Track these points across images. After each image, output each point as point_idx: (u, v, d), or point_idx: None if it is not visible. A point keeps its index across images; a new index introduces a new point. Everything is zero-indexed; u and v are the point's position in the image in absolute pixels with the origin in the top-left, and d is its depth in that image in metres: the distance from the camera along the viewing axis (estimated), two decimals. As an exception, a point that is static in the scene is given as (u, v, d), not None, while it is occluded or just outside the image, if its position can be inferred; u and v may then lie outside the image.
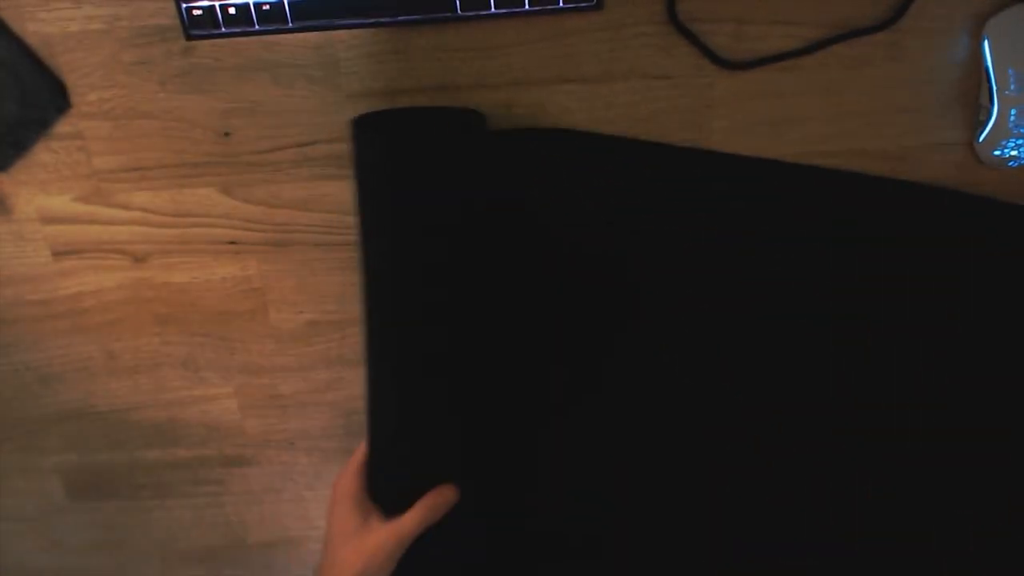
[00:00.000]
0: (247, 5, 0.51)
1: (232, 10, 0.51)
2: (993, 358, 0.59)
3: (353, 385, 0.65)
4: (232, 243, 0.60)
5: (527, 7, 0.51)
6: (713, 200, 0.56)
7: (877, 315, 0.58)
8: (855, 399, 0.60)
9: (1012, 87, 0.52)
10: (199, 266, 0.61)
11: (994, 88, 0.52)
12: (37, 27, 0.54)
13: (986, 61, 0.52)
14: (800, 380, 0.60)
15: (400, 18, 0.51)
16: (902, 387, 0.60)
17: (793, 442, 0.62)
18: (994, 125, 0.53)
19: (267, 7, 0.51)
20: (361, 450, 0.54)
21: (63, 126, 0.57)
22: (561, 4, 0.51)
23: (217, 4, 0.51)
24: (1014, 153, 0.53)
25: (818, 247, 0.57)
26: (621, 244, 0.57)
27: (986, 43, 0.52)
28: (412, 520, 0.50)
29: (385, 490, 0.52)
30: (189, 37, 0.52)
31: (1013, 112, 0.52)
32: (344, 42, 0.53)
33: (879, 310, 0.58)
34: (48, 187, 0.59)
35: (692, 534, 0.65)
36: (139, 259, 0.61)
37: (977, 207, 0.55)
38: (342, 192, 0.58)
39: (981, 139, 0.54)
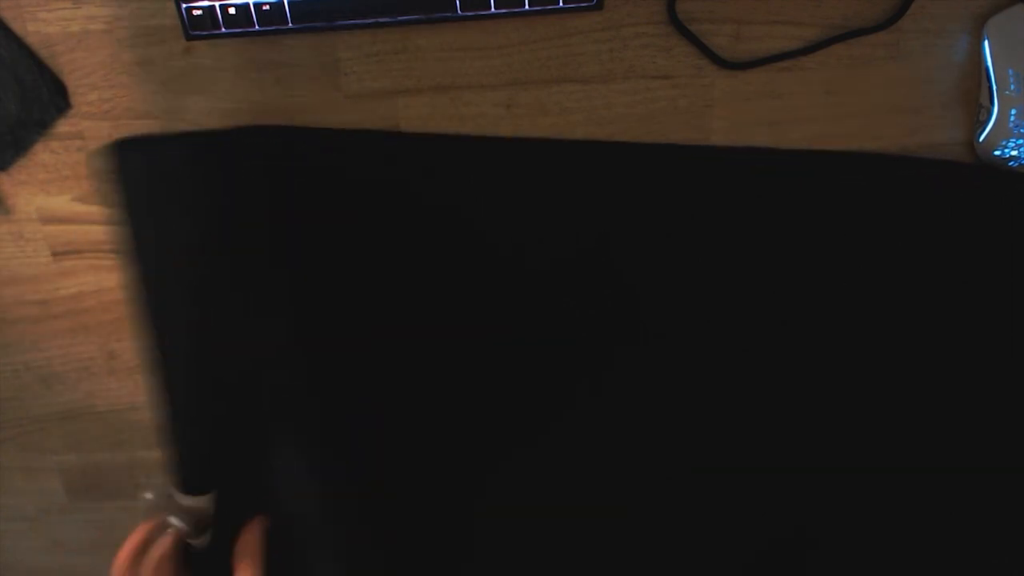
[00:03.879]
0: (247, 5, 0.51)
1: (232, 10, 0.51)
2: (995, 340, 0.58)
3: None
4: (232, 243, 0.60)
5: (527, 7, 0.51)
6: (702, 195, 0.56)
7: (879, 301, 0.58)
8: (859, 392, 0.60)
9: (1012, 87, 0.52)
10: (199, 266, 0.61)
11: (994, 88, 0.52)
12: (37, 27, 0.54)
13: (986, 61, 0.52)
14: (805, 371, 0.60)
15: (400, 18, 0.51)
16: (906, 372, 0.59)
17: (799, 434, 0.62)
18: (994, 125, 0.53)
19: (267, 7, 0.51)
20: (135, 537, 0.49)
21: (63, 126, 0.57)
22: (561, 4, 0.51)
23: (217, 4, 0.51)
24: (1014, 153, 0.53)
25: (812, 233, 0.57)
26: (610, 248, 0.57)
27: (986, 43, 0.52)
28: None
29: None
30: (189, 37, 0.52)
31: (1013, 112, 0.52)
32: (344, 42, 0.53)
33: (880, 295, 0.58)
34: (48, 187, 0.59)
35: (686, 535, 0.65)
36: (139, 259, 0.61)
37: (974, 194, 0.55)
38: (342, 192, 0.58)
39: (981, 139, 0.54)
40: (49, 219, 0.60)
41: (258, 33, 0.52)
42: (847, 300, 0.58)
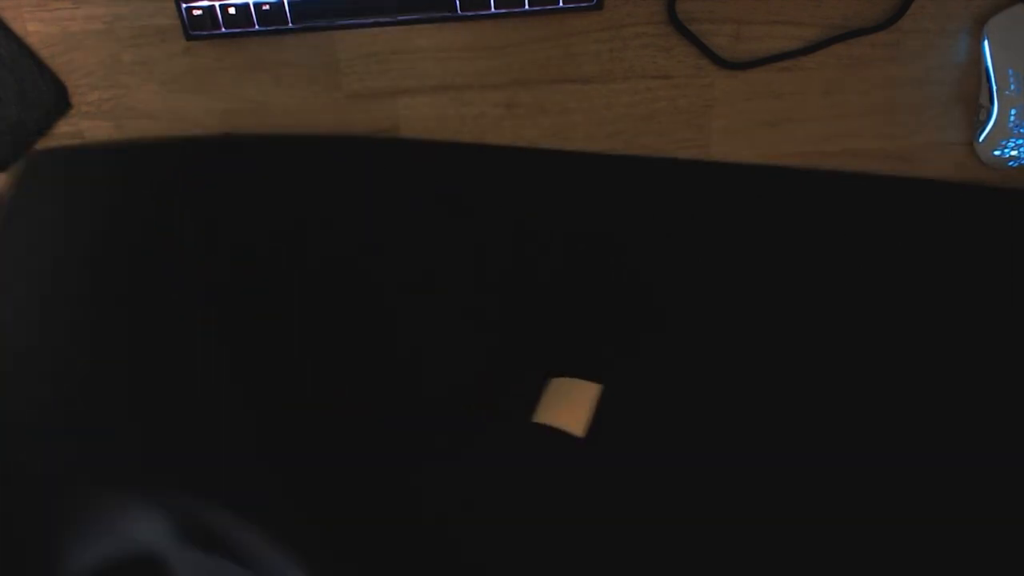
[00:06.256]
0: (247, 5, 0.51)
1: (232, 10, 0.51)
2: (993, 352, 0.58)
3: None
4: (232, 243, 0.60)
5: (527, 7, 0.51)
6: (706, 209, 0.56)
7: (877, 310, 0.58)
8: (860, 399, 0.60)
9: (1012, 87, 0.52)
10: (199, 266, 0.61)
11: (994, 88, 0.52)
12: (37, 27, 0.54)
13: (986, 61, 0.52)
14: (804, 378, 0.60)
15: (400, 18, 0.51)
16: (905, 384, 0.60)
17: (798, 443, 0.62)
18: (994, 125, 0.53)
19: (267, 7, 0.51)
20: None
21: (63, 126, 0.57)
22: (561, 4, 0.51)
23: (217, 4, 0.51)
24: (1014, 153, 0.53)
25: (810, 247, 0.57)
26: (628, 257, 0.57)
27: (986, 43, 0.52)
28: None
29: None
30: (189, 37, 0.52)
31: (1013, 112, 0.52)
32: (344, 42, 0.53)
33: (879, 305, 0.58)
34: (48, 187, 0.59)
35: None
36: (139, 259, 0.61)
37: (974, 200, 0.55)
38: (342, 192, 0.58)
39: (981, 139, 0.54)
40: (49, 219, 0.60)
41: (258, 33, 0.52)
42: (847, 306, 0.58)
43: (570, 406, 0.50)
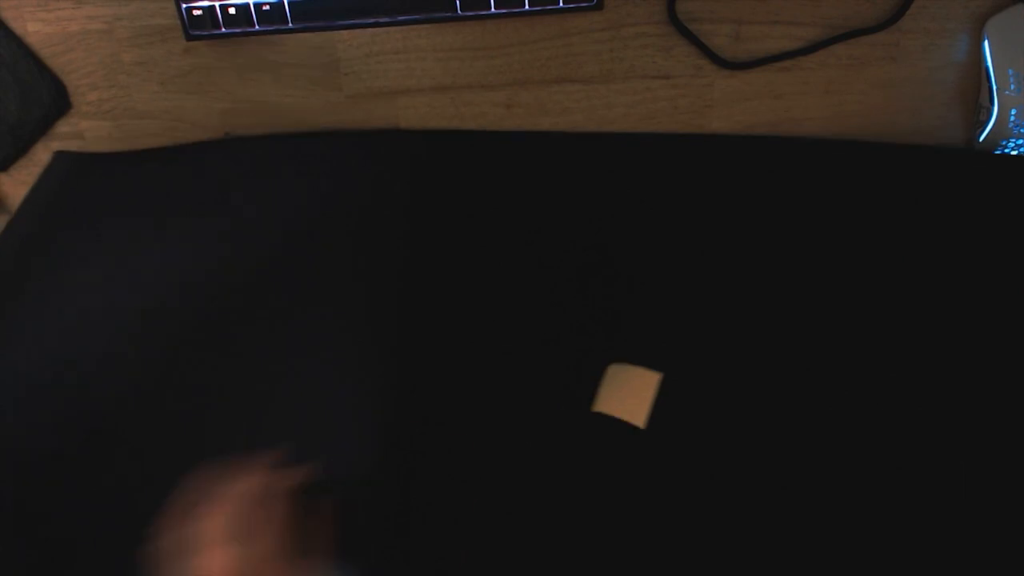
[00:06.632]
0: (247, 5, 0.51)
1: (232, 10, 0.51)
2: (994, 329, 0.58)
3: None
4: (232, 243, 0.60)
5: (527, 7, 0.51)
6: (702, 183, 0.56)
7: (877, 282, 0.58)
8: (862, 385, 0.60)
9: (1012, 87, 0.52)
10: (199, 266, 0.61)
11: (994, 88, 0.52)
12: (37, 27, 0.54)
13: (986, 61, 0.52)
14: (808, 357, 0.60)
15: (400, 18, 0.51)
16: (904, 357, 0.59)
17: (799, 430, 0.61)
18: (994, 125, 0.53)
19: (267, 7, 0.51)
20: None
21: (63, 126, 0.57)
22: (561, 4, 0.51)
23: (217, 4, 0.51)
24: (1014, 153, 0.53)
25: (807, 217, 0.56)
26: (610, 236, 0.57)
27: (986, 43, 0.52)
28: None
29: None
30: (189, 37, 0.52)
31: (1013, 112, 0.52)
32: (344, 42, 0.53)
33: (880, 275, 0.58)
34: (48, 187, 0.59)
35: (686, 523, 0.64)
36: (139, 259, 0.61)
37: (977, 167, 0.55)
38: (342, 192, 0.58)
39: (981, 139, 0.54)
40: (49, 219, 0.60)
41: (258, 33, 0.52)
42: (850, 285, 0.58)
43: (631, 396, 0.50)
